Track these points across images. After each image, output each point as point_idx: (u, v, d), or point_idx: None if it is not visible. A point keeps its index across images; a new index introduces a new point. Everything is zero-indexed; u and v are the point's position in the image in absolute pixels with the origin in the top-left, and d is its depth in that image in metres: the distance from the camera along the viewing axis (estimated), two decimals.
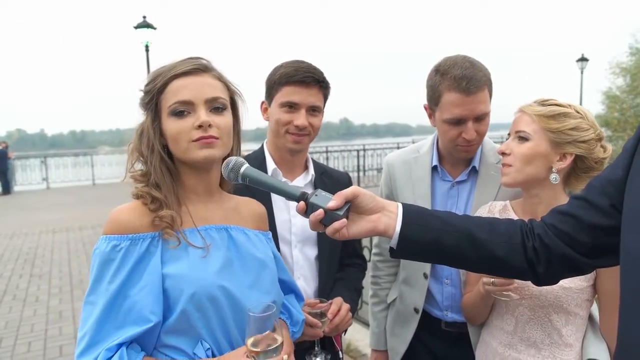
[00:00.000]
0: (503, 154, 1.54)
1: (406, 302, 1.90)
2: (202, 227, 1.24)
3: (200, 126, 1.18)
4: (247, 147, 1.63)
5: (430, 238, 1.09)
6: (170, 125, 1.20)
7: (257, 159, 1.76)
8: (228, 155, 1.25)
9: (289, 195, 1.10)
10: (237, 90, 1.32)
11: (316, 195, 1.08)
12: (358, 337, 4.08)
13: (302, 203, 1.08)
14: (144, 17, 13.56)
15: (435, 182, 1.83)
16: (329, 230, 1.07)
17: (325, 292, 1.77)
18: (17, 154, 23.93)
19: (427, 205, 1.75)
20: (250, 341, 1.10)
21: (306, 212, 1.08)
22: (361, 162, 17.46)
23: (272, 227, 1.60)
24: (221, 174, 1.30)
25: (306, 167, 1.84)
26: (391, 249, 1.14)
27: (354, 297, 1.85)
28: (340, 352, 1.80)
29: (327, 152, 17.52)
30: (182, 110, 1.19)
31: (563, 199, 1.51)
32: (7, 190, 17.29)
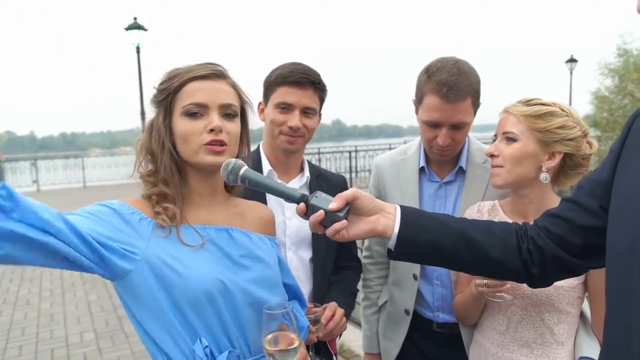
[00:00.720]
0: (492, 155, 1.54)
1: (397, 304, 1.90)
2: (202, 226, 1.25)
3: (212, 130, 1.20)
4: None
5: (427, 239, 1.11)
6: (182, 125, 1.22)
7: (252, 161, 1.76)
8: None
9: (288, 197, 1.11)
10: (248, 100, 1.35)
11: (316, 197, 1.10)
12: (351, 337, 4.09)
13: (302, 205, 1.09)
14: (135, 18, 13.50)
15: (422, 183, 1.85)
16: (330, 231, 1.09)
17: (320, 294, 1.77)
18: (7, 156, 23.69)
19: (415, 206, 1.77)
20: (268, 338, 1.11)
21: (306, 213, 1.09)
22: (353, 164, 17.48)
23: None
24: None
25: (302, 169, 1.85)
26: (389, 250, 1.15)
27: (349, 300, 1.84)
28: (334, 357, 1.80)
29: (319, 153, 17.53)
30: (196, 111, 1.21)
31: (552, 197, 1.53)
32: None
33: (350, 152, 17.82)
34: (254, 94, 1.77)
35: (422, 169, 1.85)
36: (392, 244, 1.13)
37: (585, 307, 1.57)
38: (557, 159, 1.48)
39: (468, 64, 1.64)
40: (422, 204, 1.83)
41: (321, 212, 1.07)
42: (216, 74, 1.26)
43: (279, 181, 1.74)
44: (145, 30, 13.66)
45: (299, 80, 1.66)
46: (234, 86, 1.30)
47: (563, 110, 1.48)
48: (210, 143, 1.20)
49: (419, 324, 1.86)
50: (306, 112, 1.69)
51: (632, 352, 0.81)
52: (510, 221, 1.55)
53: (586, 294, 1.52)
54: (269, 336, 1.12)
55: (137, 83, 13.62)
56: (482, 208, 1.66)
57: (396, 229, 1.11)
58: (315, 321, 1.57)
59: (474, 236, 1.11)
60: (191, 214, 1.26)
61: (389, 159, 1.95)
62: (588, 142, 1.50)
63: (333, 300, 1.71)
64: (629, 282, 0.83)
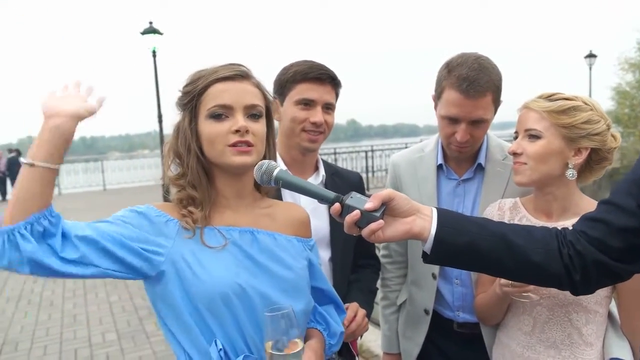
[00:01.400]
0: (514, 154, 1.50)
1: (416, 303, 1.89)
2: (225, 227, 1.25)
3: (237, 131, 1.20)
4: None
5: (465, 242, 1.08)
6: (207, 127, 1.22)
7: None
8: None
9: (322, 198, 1.11)
10: (273, 100, 1.36)
11: (351, 197, 1.09)
12: (370, 337, 4.07)
13: (337, 205, 1.08)
14: (151, 22, 13.65)
15: (440, 181, 1.82)
16: (366, 231, 1.07)
17: (339, 294, 1.75)
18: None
19: (432, 205, 1.75)
20: (269, 344, 1.11)
21: (341, 214, 1.09)
22: (369, 163, 17.39)
23: None
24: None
25: (317, 168, 1.84)
26: (424, 254, 1.13)
27: (369, 300, 1.83)
28: (356, 357, 1.78)
29: (335, 153, 17.49)
30: (221, 113, 1.21)
31: (577, 194, 1.50)
32: None
33: (366, 151, 17.75)
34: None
35: (439, 167, 1.82)
36: (428, 246, 1.10)
37: (612, 306, 1.52)
38: (584, 154, 1.44)
39: (490, 60, 1.61)
40: (440, 202, 1.80)
41: (357, 212, 1.06)
42: (240, 74, 1.25)
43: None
44: (161, 34, 13.80)
45: (320, 76, 1.65)
46: (258, 86, 1.29)
47: (587, 104, 1.44)
48: (236, 144, 1.20)
49: (439, 324, 1.84)
50: (327, 108, 1.69)
51: None
52: (534, 219, 1.53)
53: (613, 293, 1.48)
54: (269, 343, 1.11)
55: (154, 87, 13.78)
56: (503, 206, 1.63)
57: (433, 231, 1.08)
58: None
59: (515, 239, 1.08)
60: (217, 216, 1.26)
61: (406, 157, 1.93)
62: (612, 135, 1.46)
63: (354, 300, 1.70)
64: None
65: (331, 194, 1.10)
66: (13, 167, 17.18)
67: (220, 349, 1.15)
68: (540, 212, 1.54)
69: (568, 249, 1.08)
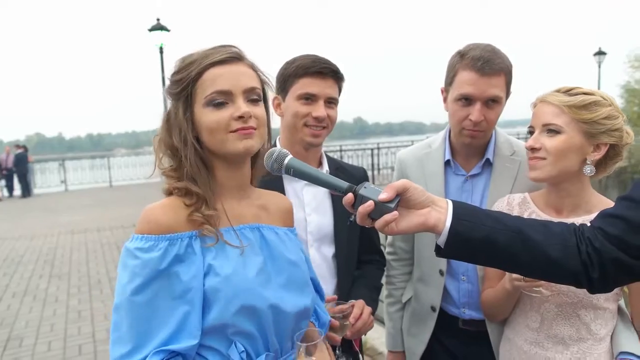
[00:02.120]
0: (533, 149, 1.45)
1: (422, 300, 1.86)
2: (237, 226, 1.21)
3: (240, 117, 1.14)
4: None
5: (481, 235, 1.04)
6: (207, 116, 1.15)
7: None
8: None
9: (335, 188, 1.07)
10: (268, 80, 1.28)
11: (365, 187, 1.05)
12: (374, 335, 4.05)
13: (350, 195, 1.05)
14: (158, 19, 13.69)
15: (448, 176, 1.80)
16: (379, 223, 1.04)
17: (344, 291, 1.74)
18: (36, 157, 24.38)
19: None
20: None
21: (354, 205, 1.05)
22: (375, 161, 17.39)
23: None
24: (251, 169, 1.28)
25: (320, 163, 1.82)
26: (437, 247, 1.10)
27: (374, 296, 1.81)
28: (360, 355, 1.76)
29: (341, 150, 17.49)
30: (221, 100, 1.14)
31: (590, 191, 1.48)
32: (27, 193, 17.61)
33: (372, 149, 17.73)
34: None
35: (447, 162, 1.80)
36: (442, 239, 1.06)
37: (621, 301, 1.50)
38: (603, 150, 1.41)
39: (501, 50, 1.65)
40: (448, 198, 1.77)
41: (371, 202, 1.02)
42: (235, 56, 1.19)
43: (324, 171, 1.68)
44: (168, 30, 13.84)
45: (322, 71, 1.63)
46: (253, 67, 1.23)
47: (606, 99, 1.41)
48: (238, 130, 1.14)
49: (444, 321, 1.82)
50: (329, 102, 1.67)
51: None
52: (543, 215, 1.50)
53: (622, 289, 1.46)
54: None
55: (161, 83, 13.82)
56: (512, 201, 1.60)
57: (448, 223, 1.05)
58: (344, 317, 1.53)
59: (532, 234, 1.04)
60: (224, 210, 1.20)
61: (413, 153, 1.91)
62: (627, 132, 1.44)
63: (359, 297, 1.68)
64: None
65: (344, 184, 1.07)
66: (20, 163, 17.30)
67: (243, 351, 1.12)
68: (551, 207, 1.51)
69: (586, 246, 1.04)
